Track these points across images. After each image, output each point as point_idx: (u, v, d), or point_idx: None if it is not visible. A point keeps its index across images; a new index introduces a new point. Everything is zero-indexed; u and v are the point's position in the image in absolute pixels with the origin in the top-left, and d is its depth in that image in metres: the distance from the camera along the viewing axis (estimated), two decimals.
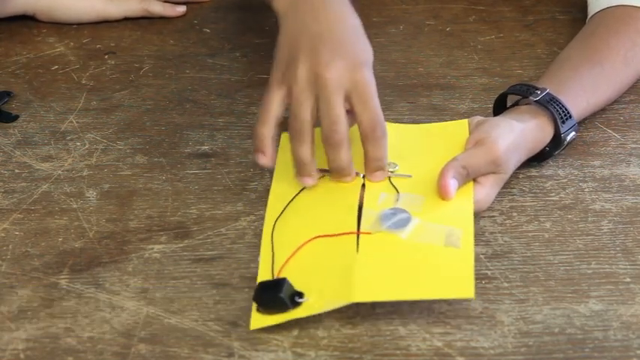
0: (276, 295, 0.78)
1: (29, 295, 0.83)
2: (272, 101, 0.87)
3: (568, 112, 0.93)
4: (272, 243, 0.85)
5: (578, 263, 0.85)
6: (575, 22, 1.18)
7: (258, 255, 0.85)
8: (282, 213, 0.88)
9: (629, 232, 0.88)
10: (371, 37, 1.18)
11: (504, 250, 0.86)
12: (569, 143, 0.96)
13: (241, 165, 0.98)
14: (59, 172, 0.97)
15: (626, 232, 0.88)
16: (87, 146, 1.01)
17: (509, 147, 0.89)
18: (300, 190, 0.89)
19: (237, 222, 0.90)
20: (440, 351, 0.77)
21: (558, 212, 0.90)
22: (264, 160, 0.87)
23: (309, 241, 0.84)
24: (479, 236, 0.87)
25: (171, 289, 0.83)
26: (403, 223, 0.82)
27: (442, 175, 0.85)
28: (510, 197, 0.92)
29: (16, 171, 0.98)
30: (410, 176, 0.88)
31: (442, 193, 0.85)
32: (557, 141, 0.94)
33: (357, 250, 0.82)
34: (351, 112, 0.87)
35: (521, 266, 0.85)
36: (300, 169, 0.87)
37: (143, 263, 0.86)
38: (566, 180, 0.94)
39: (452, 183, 0.85)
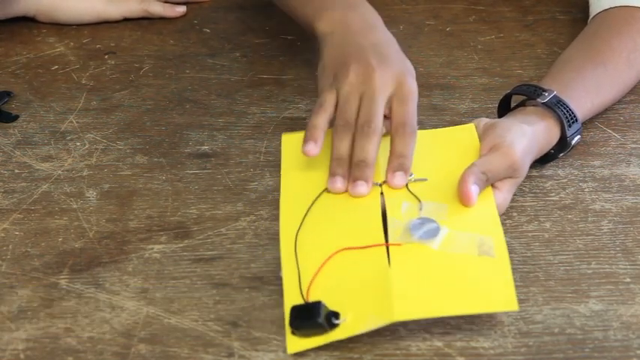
0: (313, 320, 0.75)
1: (29, 295, 0.83)
2: (325, 101, 0.90)
3: (574, 116, 0.93)
4: (296, 259, 0.81)
5: (578, 263, 0.85)
6: (576, 22, 1.18)
7: (260, 257, 0.85)
8: (301, 225, 0.85)
9: (629, 232, 0.88)
10: None
11: None
12: (573, 147, 0.96)
13: (241, 165, 0.98)
14: (59, 172, 0.97)
15: (626, 232, 0.88)
16: (87, 146, 1.01)
17: (524, 151, 0.89)
18: (317, 198, 0.87)
19: (237, 222, 0.90)
20: (440, 351, 0.77)
21: (558, 212, 0.90)
22: (314, 149, 0.87)
23: (335, 254, 0.81)
24: None
25: (171, 289, 0.83)
26: (433, 233, 0.81)
27: (463, 181, 0.84)
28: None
29: (16, 171, 0.98)
30: (426, 179, 0.87)
31: (464, 199, 0.84)
32: (562, 144, 0.94)
33: (389, 264, 0.79)
34: (388, 117, 0.90)
35: (521, 266, 0.85)
36: (334, 164, 0.88)
37: (143, 263, 0.86)
38: (566, 180, 0.94)
39: (474, 189, 0.84)
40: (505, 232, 0.87)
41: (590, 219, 0.90)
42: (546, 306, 0.81)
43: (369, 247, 0.81)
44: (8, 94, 1.09)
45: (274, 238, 0.87)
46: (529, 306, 0.81)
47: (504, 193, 0.88)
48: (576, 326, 0.79)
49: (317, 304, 0.76)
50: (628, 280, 0.83)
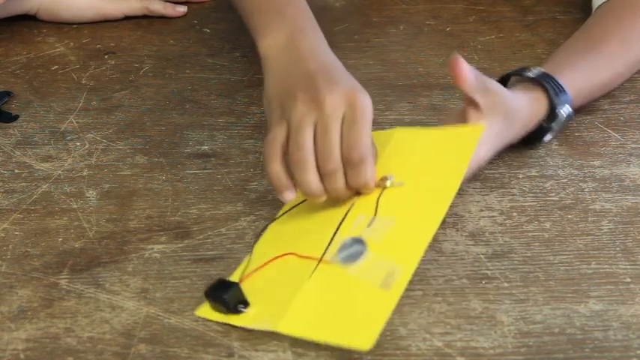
0: (222, 296, 0.79)
1: (29, 295, 0.83)
2: (275, 138, 0.85)
3: (561, 87, 0.94)
4: (252, 248, 0.85)
5: (578, 263, 0.85)
6: (575, 22, 1.18)
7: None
8: (276, 218, 0.88)
9: (629, 232, 0.88)
10: (371, 37, 1.19)
11: (504, 250, 0.86)
12: (566, 120, 0.96)
13: (241, 165, 0.98)
14: (59, 172, 0.97)
15: (626, 232, 0.88)
16: (87, 146, 1.01)
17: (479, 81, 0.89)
18: (304, 200, 0.88)
19: (237, 222, 0.90)
20: (440, 351, 0.77)
21: (558, 212, 0.90)
22: (290, 195, 0.85)
23: (282, 256, 0.84)
24: (479, 236, 0.88)
25: (171, 289, 0.83)
26: (355, 257, 0.81)
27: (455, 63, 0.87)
28: (510, 197, 0.92)
29: (16, 171, 0.98)
30: (402, 184, 0.86)
31: (457, 77, 0.87)
32: (552, 115, 0.94)
33: (309, 278, 0.81)
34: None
35: (521, 266, 0.85)
36: (311, 199, 0.85)
37: (143, 263, 0.86)
38: (566, 180, 0.94)
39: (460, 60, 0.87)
40: (505, 232, 0.88)
41: (590, 219, 0.90)
42: (546, 306, 0.81)
43: (307, 257, 0.83)
44: (8, 94, 1.09)
45: None
46: (529, 306, 0.81)
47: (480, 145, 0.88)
48: (576, 326, 0.79)
49: (232, 285, 0.80)
50: (628, 280, 0.83)
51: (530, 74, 0.95)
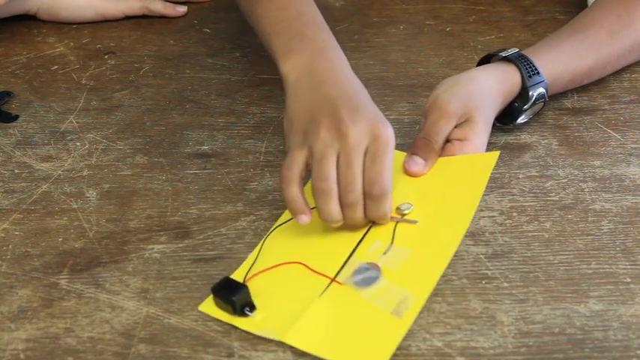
0: (230, 297, 0.79)
1: (29, 295, 0.83)
2: (294, 162, 0.84)
3: (535, 69, 0.96)
4: (261, 247, 0.86)
5: (578, 263, 0.85)
6: None
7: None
8: (286, 222, 0.89)
9: (629, 232, 0.88)
10: (371, 37, 1.19)
11: (504, 250, 0.86)
12: (538, 101, 0.97)
13: (241, 165, 0.98)
14: (59, 172, 0.97)
15: (626, 232, 0.88)
16: (87, 146, 1.01)
17: (455, 94, 0.92)
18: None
19: (237, 222, 0.90)
20: (440, 351, 0.77)
21: (558, 212, 0.90)
22: (307, 219, 0.84)
23: (291, 263, 0.84)
24: (479, 236, 0.88)
25: (171, 289, 0.83)
26: (369, 282, 0.82)
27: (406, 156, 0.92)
28: (510, 197, 0.92)
29: (16, 171, 0.98)
30: (416, 222, 0.87)
31: (406, 172, 0.92)
32: (524, 95, 0.97)
33: (320, 295, 0.81)
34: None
35: (521, 266, 0.85)
36: (328, 224, 0.85)
37: (143, 263, 0.86)
38: (566, 180, 0.94)
39: (410, 159, 0.92)
40: (505, 232, 0.88)
41: (590, 219, 0.90)
42: (546, 306, 0.81)
43: (319, 273, 0.83)
44: (8, 94, 1.09)
45: None
46: (529, 306, 0.81)
47: (472, 139, 0.92)
48: (576, 326, 0.79)
49: (241, 287, 0.80)
50: (628, 280, 0.83)
51: (506, 54, 0.98)
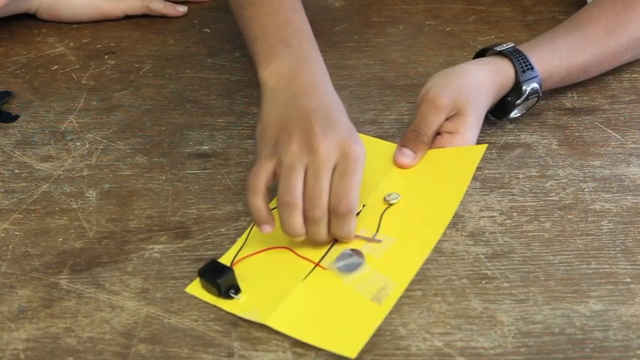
0: (215, 279, 0.81)
1: (29, 295, 0.83)
2: (262, 171, 0.84)
3: (529, 64, 0.97)
4: (249, 231, 0.87)
5: (578, 263, 0.85)
6: None
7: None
8: (274, 209, 0.89)
9: (629, 232, 0.88)
10: (371, 37, 1.19)
11: (504, 250, 0.86)
12: (532, 96, 0.98)
13: (241, 165, 0.98)
14: (59, 172, 0.97)
15: (626, 232, 0.88)
16: (87, 146, 1.01)
17: (446, 88, 0.93)
18: None
19: (237, 222, 0.90)
20: (440, 351, 0.77)
21: (558, 212, 0.90)
22: (269, 229, 0.84)
23: (278, 248, 0.85)
24: (479, 236, 0.88)
25: (171, 289, 0.83)
26: (352, 268, 0.83)
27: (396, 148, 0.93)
28: (510, 197, 0.92)
29: (16, 171, 0.98)
30: (380, 241, 0.86)
31: (396, 163, 0.92)
32: (517, 90, 0.97)
33: (303, 280, 0.82)
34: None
35: (521, 266, 0.85)
36: (290, 237, 0.85)
37: (143, 263, 0.86)
38: (566, 180, 0.94)
39: (400, 151, 0.93)
40: (505, 232, 0.88)
41: (590, 219, 0.90)
42: (546, 306, 0.81)
43: (303, 258, 0.84)
44: (8, 94, 1.09)
45: None
46: (529, 306, 0.81)
47: (461, 132, 0.93)
48: (576, 326, 0.79)
49: (227, 270, 0.82)
50: (628, 280, 0.83)
51: (500, 48, 0.98)
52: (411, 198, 0.90)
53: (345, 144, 0.83)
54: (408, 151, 0.93)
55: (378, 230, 0.87)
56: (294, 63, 0.90)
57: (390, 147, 0.96)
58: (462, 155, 0.93)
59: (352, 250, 0.85)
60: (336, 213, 0.83)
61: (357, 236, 0.86)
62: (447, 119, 0.94)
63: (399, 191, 0.90)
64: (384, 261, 0.84)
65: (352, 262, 0.84)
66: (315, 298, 0.81)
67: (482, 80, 0.95)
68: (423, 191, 0.91)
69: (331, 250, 0.85)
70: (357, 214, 0.87)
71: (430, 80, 0.96)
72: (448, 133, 0.94)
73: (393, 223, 0.88)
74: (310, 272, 0.83)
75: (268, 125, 0.86)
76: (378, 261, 0.84)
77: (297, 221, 0.83)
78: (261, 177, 0.84)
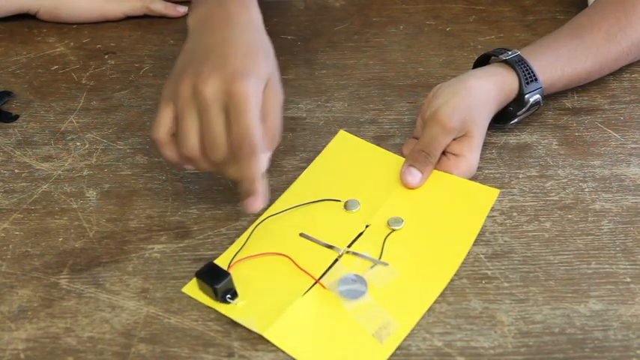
0: (213, 284, 0.80)
1: (29, 295, 0.83)
2: (160, 124, 0.82)
3: (534, 75, 0.96)
4: (251, 233, 0.87)
5: (578, 263, 0.85)
6: None
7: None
8: (278, 213, 0.89)
9: (629, 232, 0.88)
10: (371, 37, 1.19)
11: (504, 250, 0.86)
12: (533, 107, 0.98)
13: None
14: (59, 172, 0.97)
15: (626, 232, 0.88)
16: (87, 146, 1.01)
17: (457, 108, 0.92)
18: (315, 202, 0.90)
19: (237, 222, 0.90)
20: (440, 351, 0.77)
21: (558, 212, 0.90)
22: (189, 168, 0.84)
23: (277, 254, 0.85)
24: (479, 236, 0.88)
25: (171, 289, 0.83)
26: (355, 295, 0.81)
27: (402, 166, 0.91)
28: (510, 197, 0.92)
29: (16, 171, 0.98)
30: (387, 264, 0.84)
31: (403, 183, 0.91)
32: (520, 101, 0.96)
33: (303, 295, 0.81)
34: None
35: (521, 266, 0.85)
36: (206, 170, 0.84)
37: (143, 263, 0.86)
38: (566, 180, 0.94)
39: (407, 171, 0.91)
40: (505, 232, 0.88)
41: (590, 219, 0.90)
42: (546, 306, 0.81)
43: (304, 271, 0.83)
44: (8, 94, 1.09)
45: None
46: (529, 306, 0.81)
47: (467, 155, 0.92)
48: (576, 326, 0.79)
49: (224, 274, 0.81)
50: (628, 280, 0.83)
51: (506, 57, 0.97)
52: (416, 227, 0.88)
53: (229, 82, 0.78)
54: (416, 172, 0.91)
55: (380, 257, 0.85)
56: (213, 6, 0.86)
57: (397, 160, 0.94)
58: (472, 194, 0.91)
59: (356, 275, 0.83)
60: (237, 157, 0.79)
61: (362, 256, 0.85)
62: (453, 139, 0.93)
63: (402, 215, 0.88)
64: (386, 294, 0.81)
65: (355, 288, 0.82)
66: (315, 318, 0.80)
67: (488, 98, 0.94)
68: (429, 223, 0.88)
69: (332, 268, 0.84)
70: (361, 234, 0.87)
71: (438, 96, 0.94)
72: (454, 155, 0.92)
73: (397, 254, 0.85)
74: (310, 288, 0.82)
75: (175, 69, 0.83)
76: (380, 292, 0.82)
77: (203, 166, 0.82)
78: (161, 130, 0.82)
